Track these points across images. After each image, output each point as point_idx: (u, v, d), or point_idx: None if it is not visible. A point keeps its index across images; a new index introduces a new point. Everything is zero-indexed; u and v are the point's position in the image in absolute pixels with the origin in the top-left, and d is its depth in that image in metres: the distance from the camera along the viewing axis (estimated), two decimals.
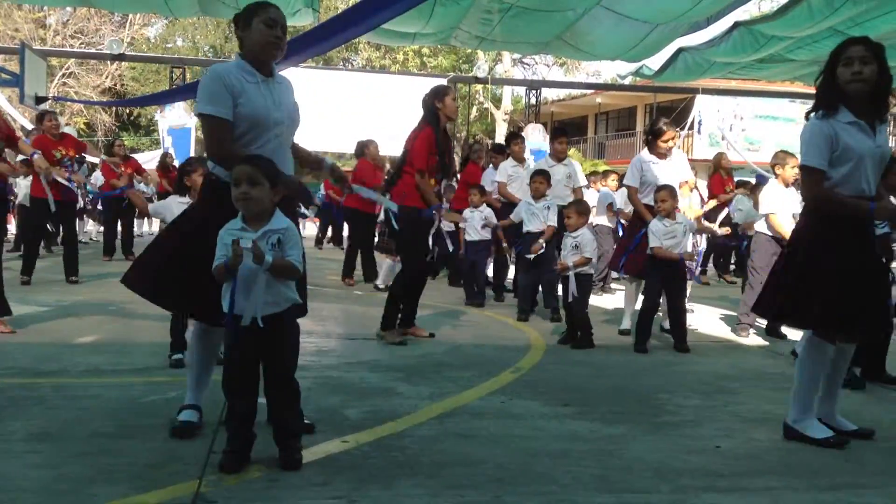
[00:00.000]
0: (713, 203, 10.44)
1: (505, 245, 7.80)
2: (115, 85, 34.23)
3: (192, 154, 17.89)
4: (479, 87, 27.37)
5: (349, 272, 9.48)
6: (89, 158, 14.64)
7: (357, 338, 5.83)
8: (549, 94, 31.24)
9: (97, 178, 12.74)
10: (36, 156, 6.43)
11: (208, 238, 2.93)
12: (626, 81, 19.23)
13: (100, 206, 13.58)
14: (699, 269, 9.82)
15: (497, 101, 32.14)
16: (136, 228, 14.26)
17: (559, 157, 7.97)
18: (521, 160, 8.45)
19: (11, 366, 4.46)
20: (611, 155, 31.45)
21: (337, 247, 15.69)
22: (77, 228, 10.18)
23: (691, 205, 6.86)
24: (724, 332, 6.78)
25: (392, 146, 14.64)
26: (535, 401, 4.05)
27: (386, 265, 8.99)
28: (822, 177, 3.38)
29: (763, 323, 6.57)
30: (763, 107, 21.10)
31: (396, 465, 2.99)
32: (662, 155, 6.48)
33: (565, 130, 8.31)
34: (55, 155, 8.02)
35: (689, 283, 6.62)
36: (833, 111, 3.38)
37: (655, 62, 11.93)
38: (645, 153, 6.64)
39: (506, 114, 30.65)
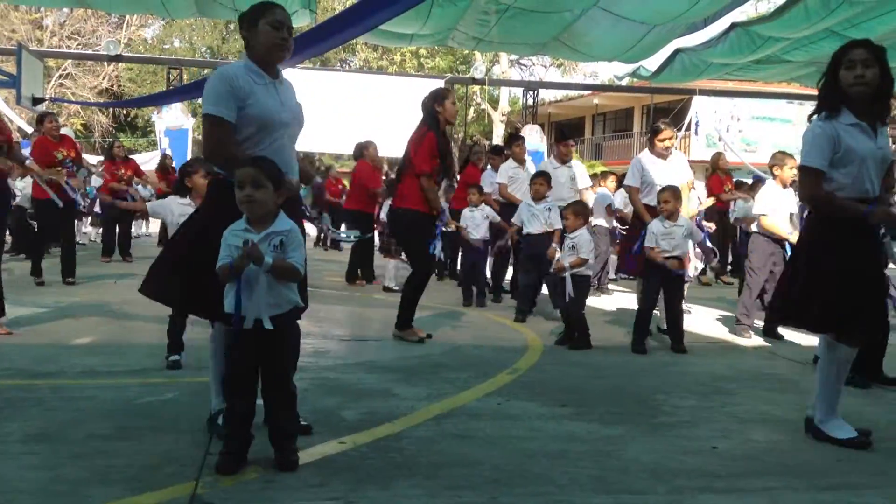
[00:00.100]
0: (711, 201, 10.46)
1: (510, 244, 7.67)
2: (112, 86, 34.23)
3: (189, 155, 17.88)
4: (477, 88, 27.40)
5: (356, 273, 9.49)
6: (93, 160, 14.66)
7: (354, 339, 5.83)
8: (546, 95, 31.33)
9: (95, 179, 12.73)
10: (28, 161, 6.44)
11: (217, 238, 2.94)
12: (624, 82, 19.22)
13: (97, 209, 13.58)
14: (699, 269, 9.83)
15: (494, 103, 32.17)
16: (133, 230, 14.26)
17: (563, 159, 7.94)
18: (521, 161, 8.46)
19: (8, 367, 4.45)
20: (608, 156, 31.48)
21: (332, 249, 15.71)
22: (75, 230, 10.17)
23: (687, 205, 6.86)
24: (721, 332, 6.78)
25: (390, 147, 14.62)
26: (533, 402, 4.05)
27: (390, 265, 9.01)
28: (820, 177, 3.40)
29: (760, 324, 6.59)
30: (760, 108, 21.14)
31: (394, 466, 2.99)
32: (662, 155, 6.49)
33: (570, 134, 8.26)
34: (56, 156, 8.08)
35: (687, 284, 6.62)
36: (835, 113, 3.41)
37: (652, 63, 11.96)
38: (645, 153, 6.66)
39: (503, 115, 30.69)
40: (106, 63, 28.60)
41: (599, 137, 34.57)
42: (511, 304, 7.67)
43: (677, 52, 11.09)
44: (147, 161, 18.77)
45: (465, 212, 7.96)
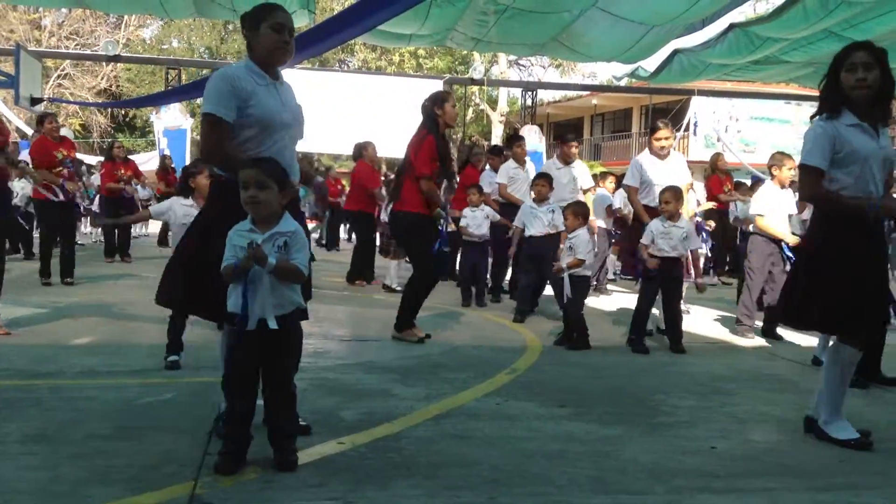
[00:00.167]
0: (710, 204, 10.48)
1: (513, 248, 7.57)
2: (111, 86, 34.22)
3: (188, 155, 17.87)
4: (475, 88, 27.37)
5: (357, 274, 9.50)
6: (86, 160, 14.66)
7: (354, 339, 5.83)
8: (544, 95, 31.36)
9: (95, 179, 12.75)
10: (22, 164, 6.45)
11: (219, 238, 2.95)
12: (622, 83, 19.23)
13: (95, 208, 13.57)
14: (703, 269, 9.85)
15: (493, 103, 32.17)
16: (133, 230, 14.27)
17: (567, 160, 7.92)
18: (522, 162, 8.48)
19: (7, 367, 4.45)
20: (607, 156, 31.50)
21: (332, 249, 15.72)
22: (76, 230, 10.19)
23: (686, 206, 6.86)
24: (720, 333, 6.79)
25: (389, 147, 14.62)
26: (531, 402, 4.06)
27: (392, 266, 9.03)
28: (820, 176, 3.41)
29: (759, 324, 6.60)
30: (758, 108, 21.14)
31: (392, 466, 2.99)
32: (661, 155, 6.50)
33: (574, 136, 8.22)
34: (56, 156, 8.11)
35: (686, 285, 6.63)
36: (836, 114, 3.43)
37: (651, 64, 11.96)
38: (644, 154, 6.69)
39: (501, 115, 30.68)
40: (104, 63, 28.62)
41: (598, 138, 34.58)
42: (510, 305, 7.68)
43: (676, 52, 11.09)
44: (146, 161, 18.78)
45: (466, 211, 7.96)
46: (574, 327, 5.78)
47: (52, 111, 13.47)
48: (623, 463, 3.12)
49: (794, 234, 6.36)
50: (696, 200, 9.00)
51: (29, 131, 17.50)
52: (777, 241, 6.29)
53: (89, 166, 16.18)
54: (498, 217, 7.97)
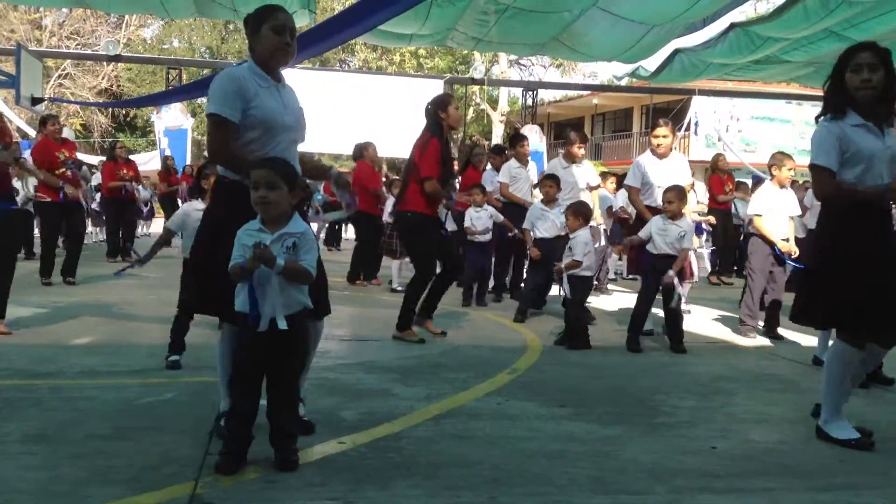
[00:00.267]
0: (700, 208, 10.48)
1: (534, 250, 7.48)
2: (112, 86, 34.25)
3: (189, 154, 17.88)
4: (476, 88, 27.41)
5: (358, 274, 9.50)
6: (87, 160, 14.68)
7: (354, 339, 5.83)
8: (545, 95, 31.37)
9: (95, 178, 12.75)
10: (21, 159, 6.46)
11: (223, 237, 2.97)
12: (623, 83, 19.23)
13: (95, 207, 13.57)
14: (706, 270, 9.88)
15: (493, 103, 32.19)
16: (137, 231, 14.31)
17: (573, 160, 7.88)
18: (525, 161, 8.49)
19: (7, 367, 4.45)
20: (607, 156, 31.51)
21: (333, 248, 15.73)
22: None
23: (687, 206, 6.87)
24: (720, 333, 6.79)
25: (389, 148, 14.64)
26: (532, 402, 4.05)
27: (394, 266, 9.04)
28: (831, 175, 3.41)
29: (761, 323, 6.60)
30: (759, 108, 21.17)
31: (393, 466, 2.99)
32: (661, 155, 6.51)
33: (580, 135, 8.09)
34: (59, 157, 8.17)
35: (688, 285, 6.64)
36: (841, 115, 3.43)
37: (652, 63, 11.96)
38: (646, 154, 6.70)
39: (502, 115, 30.70)
40: (105, 63, 28.64)
41: (599, 138, 34.59)
42: (511, 305, 7.69)
43: (676, 52, 11.09)
44: (147, 161, 18.82)
45: (470, 211, 7.96)
46: (574, 327, 5.78)
47: (54, 112, 13.47)
48: (623, 463, 3.12)
49: (797, 236, 6.37)
50: (695, 201, 9.01)
51: (30, 131, 17.53)
52: (771, 243, 6.30)
53: (90, 166, 16.20)
54: (501, 217, 7.98)
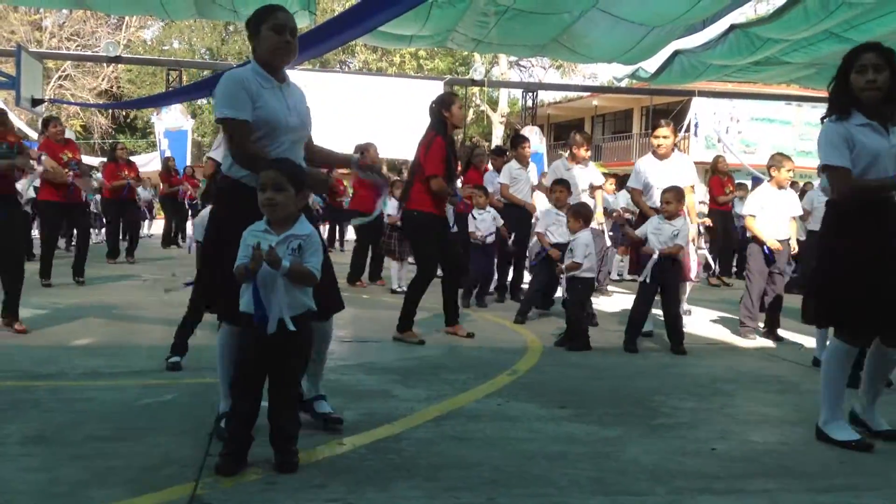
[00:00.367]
0: (704, 220, 10.47)
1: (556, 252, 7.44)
2: (112, 87, 34.27)
3: (189, 156, 17.87)
4: (476, 89, 27.41)
5: (358, 274, 9.50)
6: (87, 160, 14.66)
7: (354, 340, 5.83)
8: (545, 96, 31.37)
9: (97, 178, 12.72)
10: (44, 157, 6.48)
11: (227, 238, 2.98)
12: (623, 84, 19.26)
13: (94, 209, 13.56)
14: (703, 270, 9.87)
15: (493, 104, 32.21)
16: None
17: (577, 161, 7.86)
18: (525, 163, 8.49)
19: (7, 368, 4.45)
20: (607, 157, 31.51)
21: (332, 249, 15.73)
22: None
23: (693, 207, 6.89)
24: (720, 334, 6.79)
25: (390, 148, 14.64)
26: (532, 403, 4.05)
27: (394, 267, 9.05)
28: (847, 173, 3.41)
29: (761, 324, 6.61)
30: (759, 109, 21.17)
31: (393, 467, 2.99)
32: (662, 156, 6.52)
33: (584, 136, 8.02)
34: (62, 158, 8.25)
35: (689, 285, 6.64)
36: (846, 115, 3.43)
37: (652, 65, 11.97)
38: (647, 155, 6.71)
39: (502, 116, 30.71)
40: (105, 64, 28.67)
41: (599, 139, 34.56)
42: (511, 306, 7.70)
43: (676, 53, 11.09)
44: (147, 163, 18.83)
45: (474, 213, 7.96)
46: (574, 328, 5.78)
47: (55, 114, 13.48)
48: (624, 464, 3.12)
49: (798, 239, 6.38)
50: (698, 201, 8.99)
51: (31, 133, 17.52)
52: (761, 242, 6.32)
53: (90, 167, 16.19)
54: (501, 222, 8.01)
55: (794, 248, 6.32)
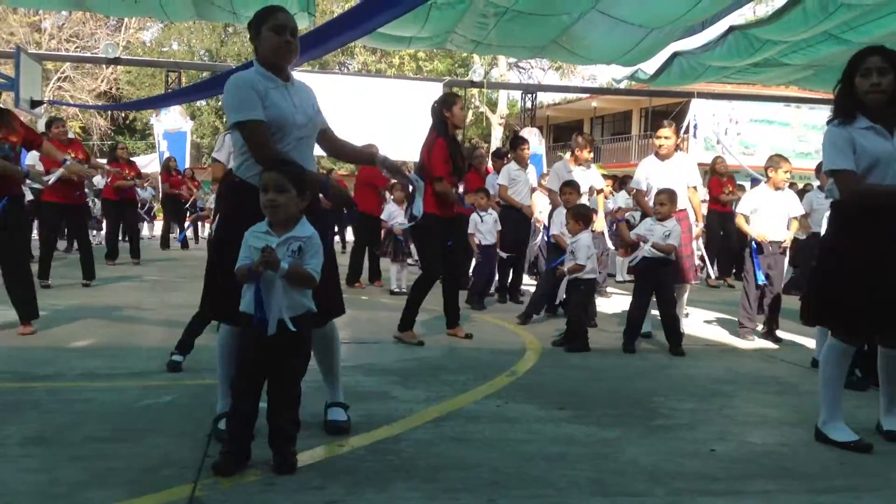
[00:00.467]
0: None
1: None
2: (111, 89, 34.24)
3: (188, 157, 17.86)
4: (475, 91, 27.43)
5: (357, 276, 9.51)
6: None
7: (353, 341, 5.83)
8: (544, 97, 31.42)
9: (99, 181, 12.73)
10: (68, 161, 6.49)
11: (230, 238, 3.00)
12: (622, 86, 19.25)
13: (94, 211, 13.56)
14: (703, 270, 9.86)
15: (493, 105, 32.20)
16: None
17: (580, 163, 7.84)
18: (524, 164, 8.51)
19: (6, 370, 4.45)
20: (606, 159, 31.52)
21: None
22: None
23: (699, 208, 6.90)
24: (719, 335, 6.79)
25: (389, 150, 14.59)
26: (531, 404, 4.06)
27: (393, 269, 9.06)
28: (853, 176, 3.41)
29: (760, 326, 6.61)
30: (758, 111, 21.16)
31: (392, 468, 2.99)
32: (663, 156, 6.53)
33: (586, 137, 7.98)
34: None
35: (688, 286, 6.65)
36: (850, 119, 3.44)
37: (651, 66, 11.97)
38: (650, 156, 6.72)
39: (501, 118, 30.71)
40: (104, 66, 28.65)
41: (598, 140, 34.54)
42: (511, 307, 7.71)
43: (675, 55, 11.10)
44: (146, 164, 18.81)
45: (475, 216, 7.97)
46: (574, 329, 5.79)
47: (60, 116, 13.46)
48: (623, 465, 3.13)
49: (797, 238, 6.38)
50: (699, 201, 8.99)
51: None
52: (774, 244, 6.34)
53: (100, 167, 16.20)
54: (499, 227, 8.03)
55: (784, 238, 6.34)
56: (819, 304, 3.56)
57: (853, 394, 4.43)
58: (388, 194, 9.75)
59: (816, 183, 9.99)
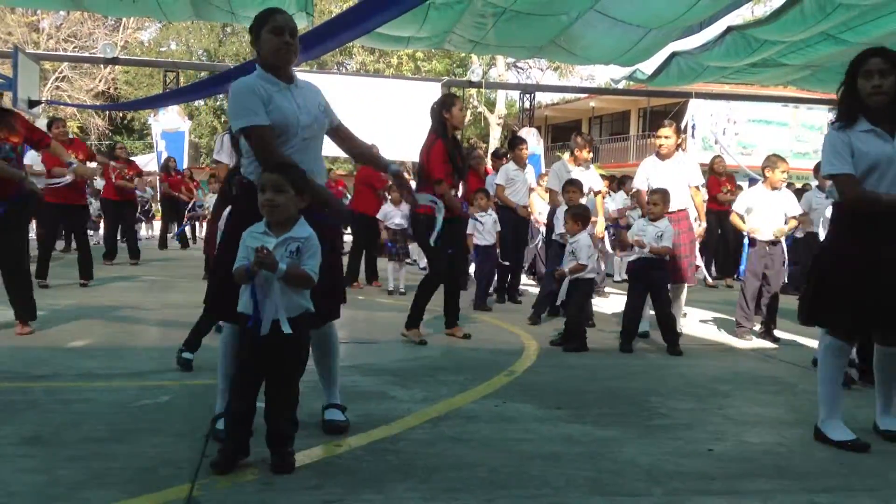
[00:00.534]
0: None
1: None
2: (109, 89, 34.20)
3: (186, 157, 17.85)
4: (473, 91, 27.41)
5: (354, 276, 9.52)
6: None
7: (350, 342, 5.83)
8: (542, 98, 31.39)
9: (98, 182, 12.70)
10: (75, 164, 6.50)
11: (232, 238, 3.03)
12: (620, 86, 19.27)
13: (91, 210, 13.53)
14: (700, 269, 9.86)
15: (491, 105, 32.20)
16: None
17: (579, 163, 7.83)
18: (523, 164, 8.52)
19: (4, 370, 4.44)
20: (604, 159, 31.54)
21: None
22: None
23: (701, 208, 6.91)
24: (717, 335, 6.80)
25: (387, 150, 14.57)
26: (529, 404, 4.06)
27: (390, 268, 9.06)
28: (852, 179, 3.42)
29: (757, 325, 6.62)
30: (756, 111, 21.15)
31: (390, 468, 2.99)
32: (664, 156, 6.54)
33: (585, 137, 7.98)
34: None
35: (686, 286, 6.65)
36: (852, 122, 3.45)
37: (649, 66, 11.99)
38: (651, 156, 6.73)
39: (500, 118, 30.70)
40: (102, 66, 28.62)
41: (596, 140, 34.54)
42: (510, 307, 7.71)
43: (674, 55, 11.11)
44: (144, 165, 18.79)
45: (477, 216, 7.97)
46: (573, 329, 5.79)
47: (60, 116, 13.45)
48: (620, 465, 3.13)
49: (796, 237, 6.39)
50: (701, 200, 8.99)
51: None
52: (771, 243, 6.35)
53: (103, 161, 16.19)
54: (499, 227, 8.03)
55: (778, 231, 6.36)
56: (816, 302, 3.56)
57: (853, 394, 4.45)
58: (387, 194, 9.75)
59: (815, 183, 9.99)
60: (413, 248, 10.95)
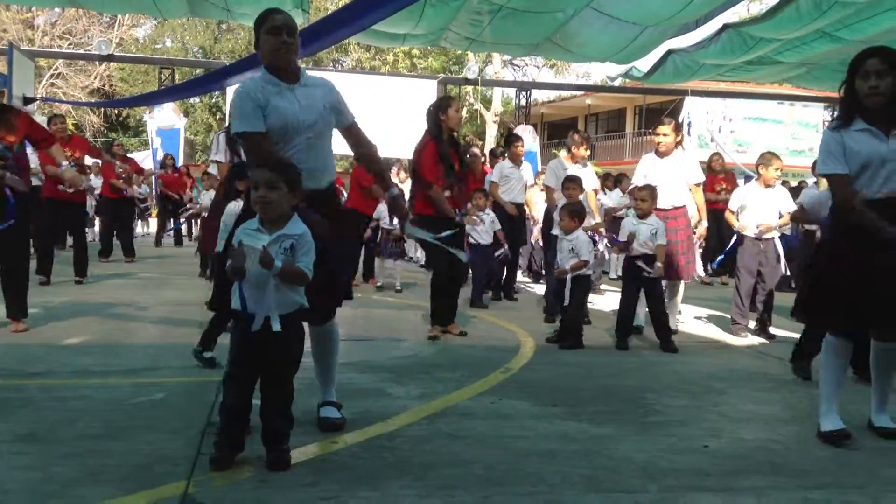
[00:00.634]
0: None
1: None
2: (104, 86, 34.16)
3: (181, 154, 17.82)
4: (469, 88, 27.36)
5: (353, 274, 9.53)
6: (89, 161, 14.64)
7: (347, 339, 5.82)
8: (538, 95, 31.31)
9: (95, 180, 12.67)
10: (64, 166, 6.43)
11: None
12: (616, 83, 19.30)
13: (91, 207, 13.50)
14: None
15: (487, 103, 32.18)
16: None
17: (576, 160, 7.83)
18: (518, 162, 8.52)
19: None
20: (600, 156, 31.55)
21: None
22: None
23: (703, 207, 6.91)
24: (712, 332, 6.81)
25: (383, 147, 14.56)
26: (525, 401, 4.06)
27: (386, 265, 9.06)
28: (845, 179, 3.44)
29: (752, 322, 6.63)
30: (752, 109, 21.19)
31: (386, 465, 2.99)
32: (662, 154, 6.54)
33: (582, 134, 7.97)
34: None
35: (682, 283, 6.67)
36: (848, 121, 3.47)
37: (645, 64, 11.98)
38: (649, 154, 6.74)
39: (496, 115, 30.69)
40: (97, 63, 28.56)
41: (592, 138, 34.59)
42: (507, 305, 7.71)
43: (669, 52, 11.11)
44: (140, 161, 18.76)
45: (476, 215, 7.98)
46: (569, 327, 5.80)
47: (49, 112, 13.43)
48: (616, 462, 3.13)
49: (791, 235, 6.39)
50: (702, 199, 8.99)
51: None
52: (766, 241, 6.36)
53: (86, 167, 16.14)
54: (498, 226, 8.03)
55: (770, 225, 6.37)
56: (811, 300, 3.59)
57: (848, 390, 4.44)
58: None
59: (811, 180, 10.01)
60: (409, 245, 10.96)
